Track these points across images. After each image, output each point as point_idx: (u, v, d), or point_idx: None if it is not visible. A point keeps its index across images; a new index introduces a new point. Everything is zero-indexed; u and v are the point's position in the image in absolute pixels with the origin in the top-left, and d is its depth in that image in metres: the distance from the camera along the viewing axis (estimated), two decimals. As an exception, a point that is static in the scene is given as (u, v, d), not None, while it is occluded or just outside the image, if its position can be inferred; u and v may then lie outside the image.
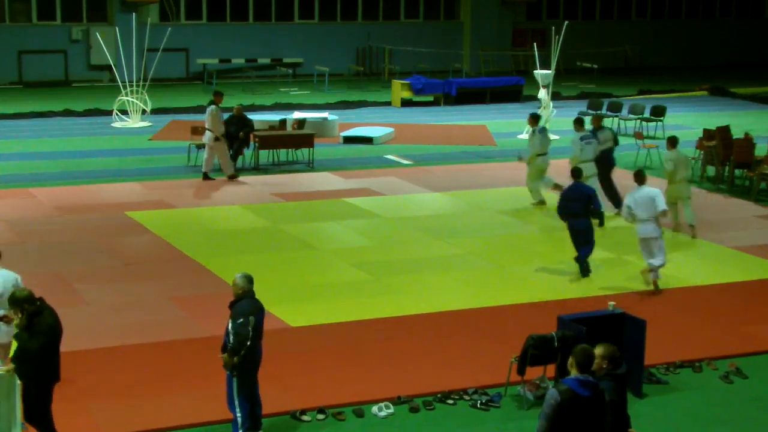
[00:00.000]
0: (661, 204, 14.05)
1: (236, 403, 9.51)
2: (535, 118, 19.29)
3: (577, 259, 14.86)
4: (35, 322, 9.07)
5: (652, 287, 14.27)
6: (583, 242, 14.81)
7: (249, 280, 9.66)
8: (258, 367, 9.73)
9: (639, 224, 14.15)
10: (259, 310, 9.59)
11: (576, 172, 15.10)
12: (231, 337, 9.43)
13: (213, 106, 20.73)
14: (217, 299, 13.47)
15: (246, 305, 9.49)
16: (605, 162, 18.40)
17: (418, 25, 40.97)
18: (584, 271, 14.84)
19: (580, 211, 14.67)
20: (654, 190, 14.23)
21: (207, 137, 20.78)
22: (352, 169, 22.00)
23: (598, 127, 18.75)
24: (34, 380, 9.11)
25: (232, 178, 20.95)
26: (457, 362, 11.74)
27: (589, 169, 17.53)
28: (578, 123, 18.57)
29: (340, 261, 15.63)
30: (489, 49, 40.45)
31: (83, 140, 25.30)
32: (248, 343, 9.35)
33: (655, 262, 14.17)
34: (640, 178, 14.31)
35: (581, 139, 18.08)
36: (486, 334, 12.67)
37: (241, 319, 9.37)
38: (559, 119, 28.10)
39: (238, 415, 9.50)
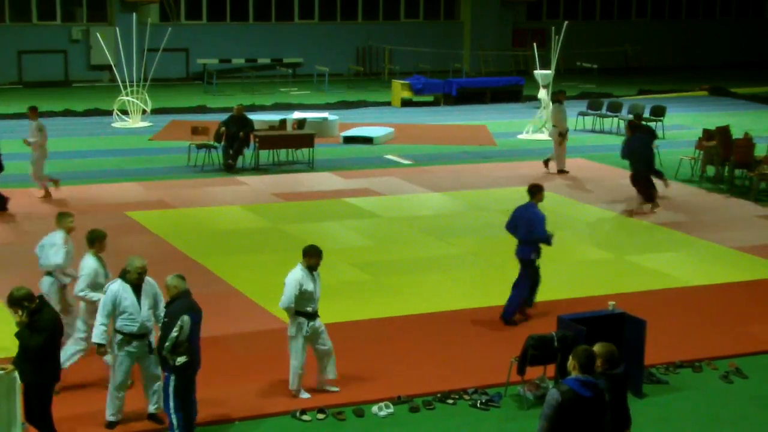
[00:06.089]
0: None
1: (171, 404, 9.41)
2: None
3: None
4: (36, 319, 9.07)
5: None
6: None
7: (181, 279, 9.67)
8: (197, 368, 9.67)
9: None
10: (192, 310, 9.54)
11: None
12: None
13: (557, 103, 22.01)
14: (218, 299, 13.51)
15: (178, 306, 9.48)
16: None
17: (418, 25, 40.96)
18: None
19: None
20: None
21: (552, 132, 22.17)
22: (352, 169, 22.00)
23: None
24: (36, 379, 9.11)
25: (562, 172, 21.81)
26: (457, 362, 11.73)
27: None
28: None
29: (340, 261, 15.62)
30: (489, 49, 40.44)
31: (83, 140, 25.30)
32: (167, 340, 9.27)
33: None
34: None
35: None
36: (486, 334, 12.67)
37: (167, 319, 9.43)
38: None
39: (173, 416, 9.40)
